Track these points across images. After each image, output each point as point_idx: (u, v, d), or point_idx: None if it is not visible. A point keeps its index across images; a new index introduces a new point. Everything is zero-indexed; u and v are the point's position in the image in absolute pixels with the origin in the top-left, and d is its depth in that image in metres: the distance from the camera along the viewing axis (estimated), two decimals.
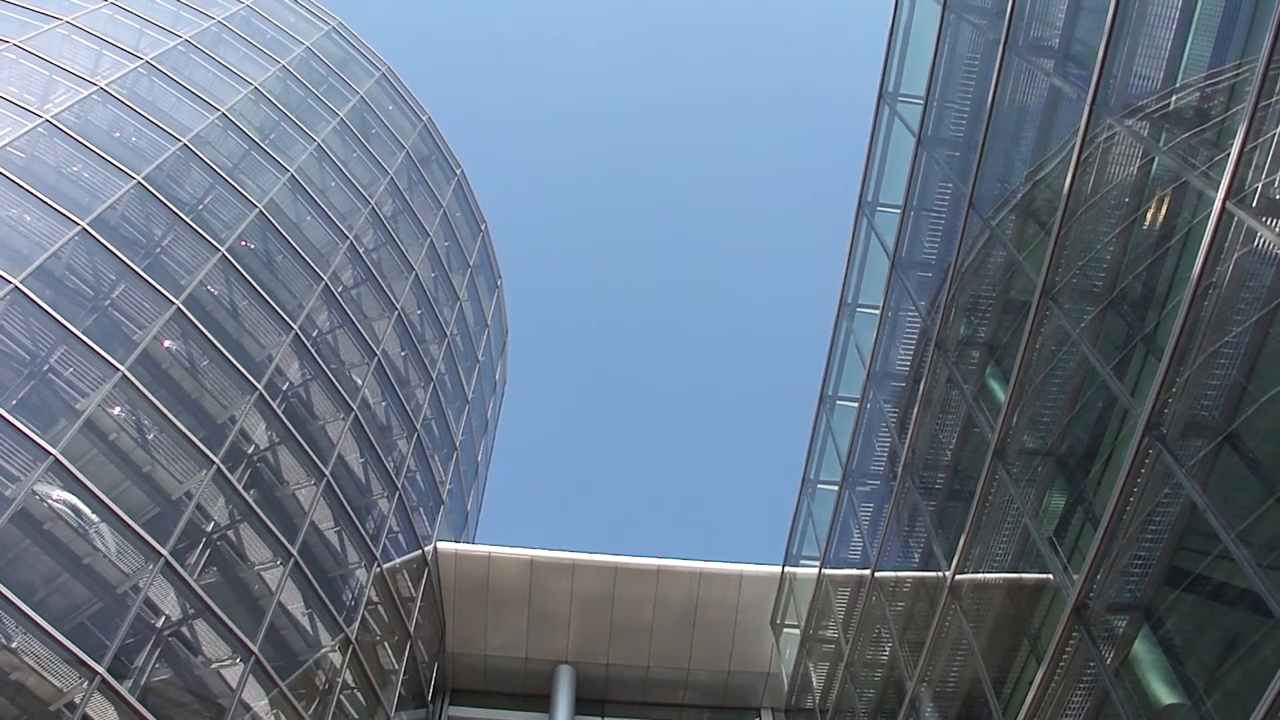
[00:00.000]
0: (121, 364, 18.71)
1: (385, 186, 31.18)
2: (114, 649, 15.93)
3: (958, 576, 16.04)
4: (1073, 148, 13.58)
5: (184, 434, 19.14)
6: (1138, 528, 11.31)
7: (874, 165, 22.92)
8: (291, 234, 25.65)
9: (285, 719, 19.00)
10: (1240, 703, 9.27)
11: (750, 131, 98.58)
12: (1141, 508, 11.22)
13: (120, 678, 15.89)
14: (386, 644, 23.96)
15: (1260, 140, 9.78)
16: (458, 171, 37.15)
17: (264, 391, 21.52)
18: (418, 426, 27.44)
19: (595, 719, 28.04)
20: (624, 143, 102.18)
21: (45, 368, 18.26)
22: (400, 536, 25.20)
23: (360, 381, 25.56)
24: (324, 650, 21.16)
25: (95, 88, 24.35)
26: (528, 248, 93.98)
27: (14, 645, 15.15)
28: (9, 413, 16.48)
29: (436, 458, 28.77)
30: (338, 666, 21.20)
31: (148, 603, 17.06)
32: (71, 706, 15.04)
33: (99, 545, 17.07)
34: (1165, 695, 10.96)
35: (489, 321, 36.87)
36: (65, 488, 16.74)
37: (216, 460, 19.37)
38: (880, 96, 22.46)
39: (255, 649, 18.33)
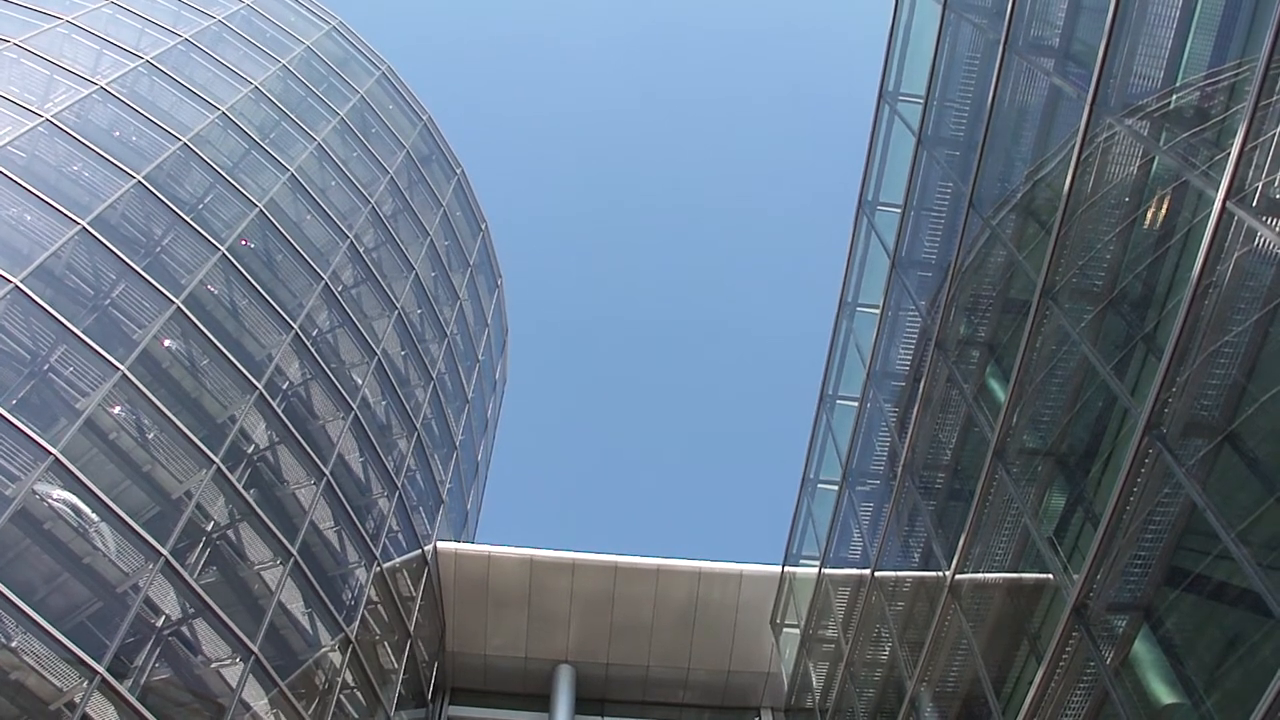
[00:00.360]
0: (121, 363, 18.71)
1: (385, 186, 31.18)
2: (114, 648, 15.93)
3: (958, 576, 16.04)
4: (1073, 147, 13.58)
5: (184, 433, 19.14)
6: (1138, 527, 11.31)
7: (874, 165, 22.91)
8: (291, 233, 25.65)
9: (285, 718, 19.00)
10: (1240, 702, 9.27)
11: (750, 131, 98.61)
12: (1141, 507, 11.22)
13: (120, 677, 15.89)
14: (386, 643, 23.97)
15: (1260, 140, 9.78)
16: (458, 171, 37.15)
17: (264, 391, 21.52)
18: (418, 426, 27.44)
19: (595, 718, 28.05)
20: (624, 143, 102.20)
21: (45, 367, 18.26)
22: (400, 536, 25.21)
23: (360, 381, 25.56)
24: (324, 650, 21.16)
25: (96, 87, 24.35)
26: (528, 247, 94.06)
27: (14, 644, 15.16)
28: (9, 412, 16.48)
29: (436, 457, 28.77)
30: (338, 666, 21.21)
31: (148, 602, 17.06)
32: (71, 706, 15.05)
33: (99, 545, 17.07)
34: (1165, 695, 10.96)
35: (489, 321, 36.87)
36: (65, 487, 16.74)
37: (216, 460, 19.37)
38: (880, 96, 22.45)
39: (255, 648, 18.33)
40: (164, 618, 17.40)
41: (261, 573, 19.98)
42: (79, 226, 20.04)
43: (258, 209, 24.90)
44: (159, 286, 20.70)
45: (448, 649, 27.77)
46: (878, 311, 21.59)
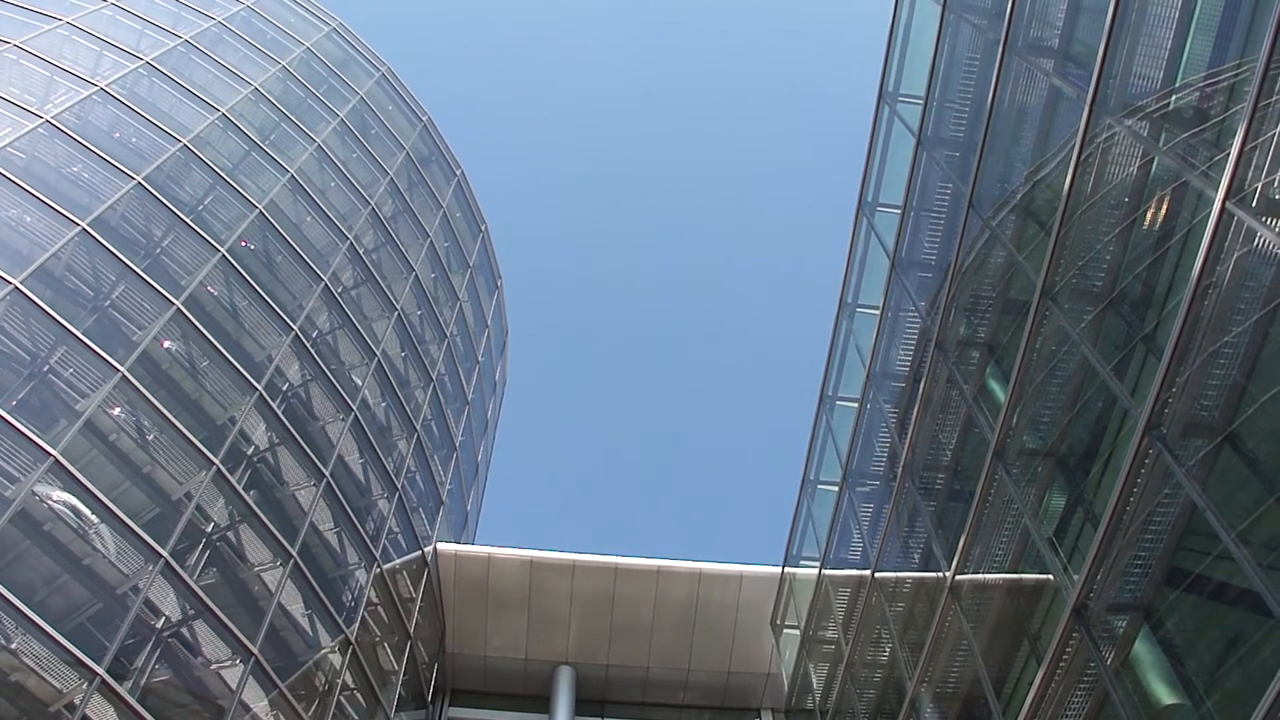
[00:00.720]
0: (121, 365, 18.71)
1: (385, 187, 31.18)
2: (114, 650, 15.93)
3: (958, 577, 16.03)
4: (1072, 148, 13.58)
5: (184, 435, 19.14)
6: (1138, 528, 11.30)
7: (874, 165, 22.91)
8: (291, 234, 25.65)
9: (285, 719, 19.01)
10: (1240, 703, 9.26)
11: (750, 131, 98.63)
12: (1141, 508, 11.22)
13: (120, 679, 15.89)
14: (386, 645, 23.96)
15: (1260, 140, 9.78)
16: (458, 172, 37.15)
17: (264, 392, 21.52)
18: (417, 427, 27.44)
19: (595, 719, 28.04)
20: (624, 143, 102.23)
21: (45, 368, 18.26)
22: (400, 537, 25.20)
23: (360, 382, 25.56)
24: (324, 651, 21.16)
25: (96, 88, 24.35)
26: (528, 248, 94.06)
27: (14, 646, 15.15)
28: (9, 413, 16.48)
29: (436, 458, 28.77)
30: (337, 667, 21.20)
31: (147, 604, 17.06)
32: (71, 707, 15.04)
33: (99, 546, 17.07)
34: (1165, 695, 10.95)
35: (489, 322, 36.87)
36: (65, 488, 16.73)
37: (216, 461, 19.36)
38: (880, 96, 22.46)
39: (255, 650, 18.32)
40: (164, 619, 17.39)
41: (261, 574, 19.97)
42: (79, 228, 20.05)
43: (258, 210, 24.90)
44: (159, 288, 20.71)
45: (448, 650, 27.76)
46: (877, 312, 21.59)
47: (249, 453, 20.98)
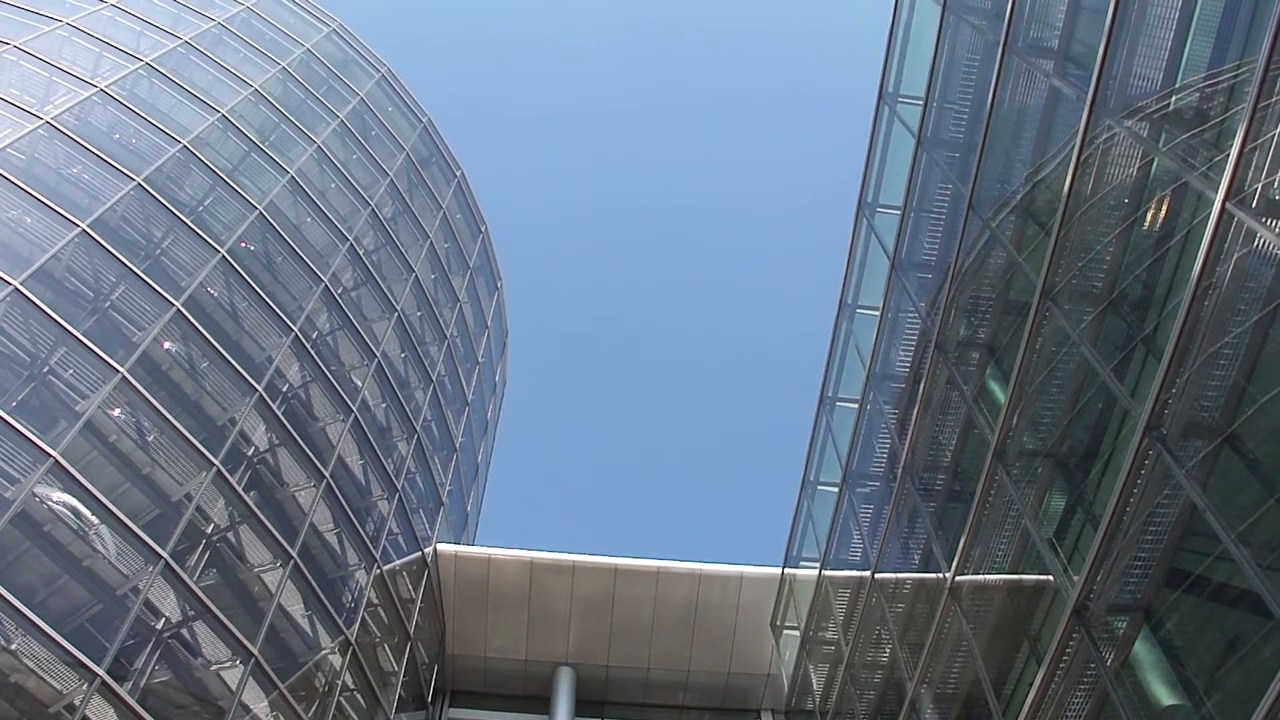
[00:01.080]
0: (121, 366, 18.71)
1: (385, 188, 31.19)
2: (114, 651, 15.92)
3: (958, 578, 16.03)
4: (1072, 148, 13.58)
5: (184, 436, 19.14)
6: (1138, 529, 11.30)
7: (874, 166, 22.92)
8: (291, 236, 25.65)
9: None
10: (1240, 703, 9.27)
11: (750, 131, 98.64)
12: (1141, 509, 11.22)
13: (120, 680, 15.88)
14: (386, 646, 23.95)
15: (1260, 141, 9.78)
16: (458, 173, 37.16)
17: (264, 393, 21.52)
18: (418, 428, 27.44)
19: None
20: (624, 143, 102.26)
21: (45, 369, 18.26)
22: (400, 538, 25.20)
23: (360, 383, 25.56)
24: (324, 652, 21.15)
25: (95, 89, 24.36)
26: (528, 249, 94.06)
27: (14, 647, 15.15)
28: (9, 414, 16.48)
29: (436, 459, 28.77)
30: (337, 668, 21.20)
31: (147, 605, 17.05)
32: (71, 708, 15.04)
33: (99, 547, 17.06)
34: (1165, 696, 10.95)
35: (489, 323, 36.87)
36: (65, 489, 16.73)
37: (216, 462, 19.36)
38: (880, 97, 22.46)
39: (255, 651, 18.32)
40: (164, 620, 17.39)
41: (261, 575, 19.97)
42: (79, 229, 20.05)
43: (257, 211, 24.90)
44: (159, 289, 20.71)
45: (448, 651, 27.76)
46: (877, 313, 21.59)
47: (249, 454, 20.98)
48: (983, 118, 16.93)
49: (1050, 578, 13.23)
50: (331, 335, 25.62)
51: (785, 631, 26.73)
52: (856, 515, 22.15)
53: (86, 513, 16.96)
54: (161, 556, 17.22)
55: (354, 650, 21.48)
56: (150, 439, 19.08)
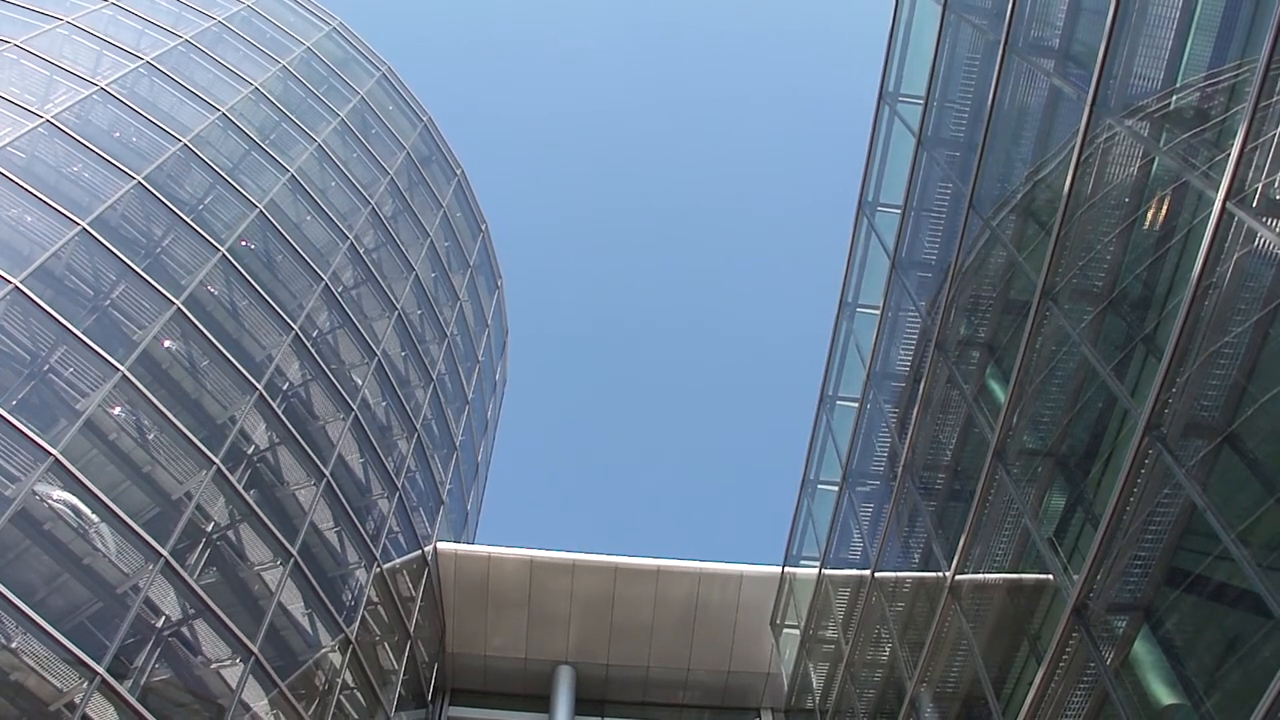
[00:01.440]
0: (121, 364, 18.71)
1: (385, 187, 31.19)
2: (114, 649, 15.93)
3: (958, 577, 16.04)
4: (1073, 148, 13.58)
5: (184, 434, 19.14)
6: (1138, 528, 11.31)
7: (874, 165, 22.92)
8: (292, 234, 25.65)
9: (285, 719, 19.00)
10: (1240, 703, 9.27)
11: (750, 131, 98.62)
12: (1141, 508, 11.22)
13: (120, 678, 15.89)
14: (386, 644, 23.96)
15: (1260, 140, 9.78)
16: (458, 172, 37.15)
17: (264, 392, 21.53)
18: (418, 427, 27.44)
19: (595, 719, 28.04)
20: (624, 143, 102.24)
21: (45, 368, 18.26)
22: (400, 537, 25.21)
23: (360, 382, 25.57)
24: (324, 650, 21.16)
25: (96, 88, 24.36)
26: (528, 248, 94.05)
27: (14, 645, 15.15)
28: (9, 413, 16.49)
29: (436, 458, 28.78)
30: (337, 667, 21.21)
31: (148, 603, 17.06)
32: (71, 707, 15.04)
33: (99, 545, 17.07)
34: (1165, 695, 10.96)
35: (489, 322, 36.87)
36: (65, 488, 16.74)
37: (216, 460, 19.37)
38: (880, 96, 22.46)
39: (255, 649, 18.33)
40: (164, 618, 17.40)
41: (261, 573, 19.98)
42: (79, 227, 20.05)
43: (258, 210, 24.90)
44: (159, 287, 20.71)
45: (448, 650, 27.77)
46: (878, 312, 21.59)
47: (249, 452, 20.99)
48: (983, 117, 16.93)
49: (1050, 577, 13.24)
50: (332, 334, 25.62)
51: (785, 630, 26.74)
52: (856, 514, 22.15)
53: (87, 511, 16.96)
54: (162, 555, 17.23)
55: (354, 649, 21.49)
56: (150, 437, 19.08)
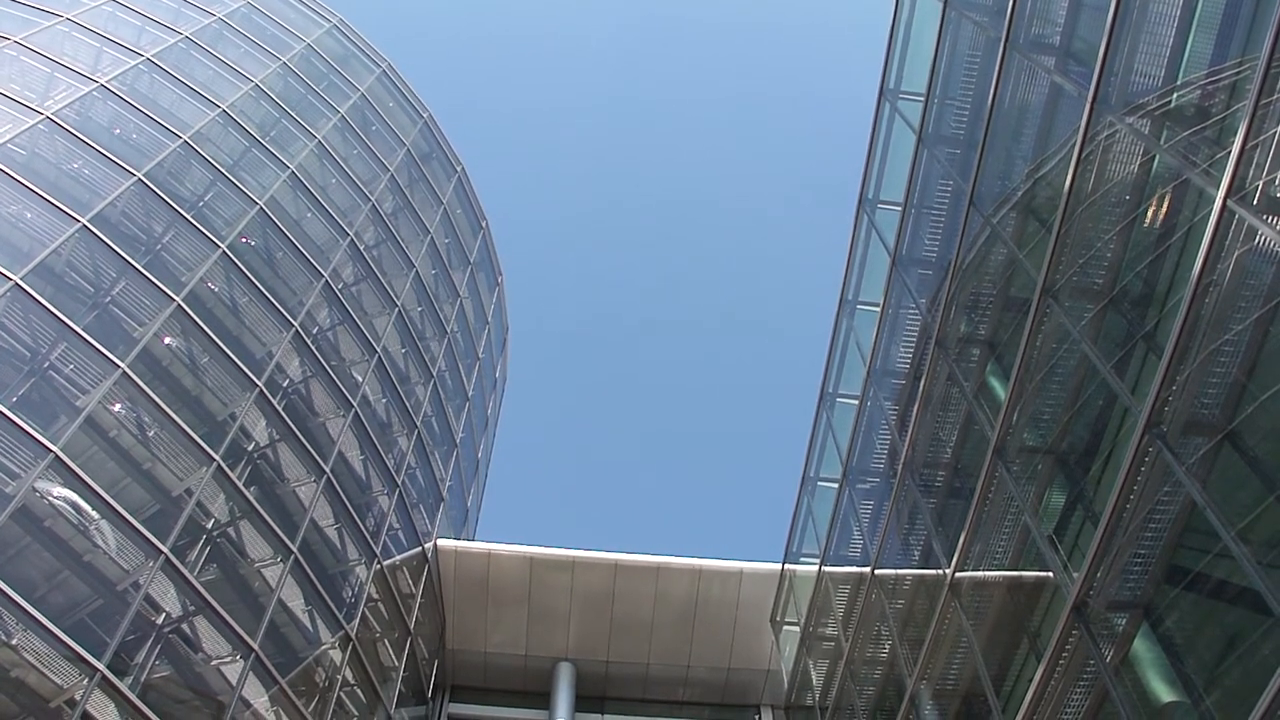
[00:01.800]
0: (122, 361, 18.71)
1: (386, 183, 31.17)
2: (114, 646, 15.94)
3: (958, 574, 16.04)
4: (1073, 145, 13.58)
5: (184, 431, 19.14)
6: (1138, 526, 11.31)
7: (875, 162, 22.90)
8: (292, 231, 25.64)
9: (285, 716, 19.01)
10: (1240, 701, 9.27)
11: (750, 128, 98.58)
12: (1141, 506, 11.22)
13: (120, 675, 15.90)
14: (386, 641, 23.98)
15: (1261, 138, 9.77)
16: (458, 169, 37.13)
17: (264, 388, 21.53)
18: (418, 423, 27.44)
19: (595, 716, 28.06)
20: (624, 139, 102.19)
21: (46, 364, 18.26)
22: (400, 533, 25.21)
23: (360, 378, 25.57)
24: (324, 647, 21.18)
25: (96, 85, 24.34)
26: (528, 245, 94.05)
27: (14, 642, 15.17)
28: (9, 409, 16.48)
29: (437, 455, 28.78)
30: (338, 663, 21.22)
31: (148, 600, 17.07)
32: (72, 703, 15.05)
33: (99, 542, 17.08)
34: (1165, 693, 10.96)
35: (489, 319, 36.86)
36: (65, 484, 16.74)
37: (217, 457, 19.37)
38: (881, 94, 22.44)
39: (255, 646, 18.34)
40: (164, 615, 17.41)
41: (262, 570, 19.99)
42: (79, 224, 20.04)
43: (258, 206, 24.89)
44: (159, 284, 20.70)
45: (448, 646, 27.79)
46: (878, 309, 21.58)
47: (249, 449, 20.99)
48: (984, 114, 16.92)
49: (1050, 574, 13.24)
50: (332, 330, 25.62)
51: (785, 627, 26.76)
52: (856, 511, 22.16)
53: (87, 508, 16.97)
54: (162, 552, 17.24)
55: (354, 645, 21.50)
56: (150, 434, 19.09)
